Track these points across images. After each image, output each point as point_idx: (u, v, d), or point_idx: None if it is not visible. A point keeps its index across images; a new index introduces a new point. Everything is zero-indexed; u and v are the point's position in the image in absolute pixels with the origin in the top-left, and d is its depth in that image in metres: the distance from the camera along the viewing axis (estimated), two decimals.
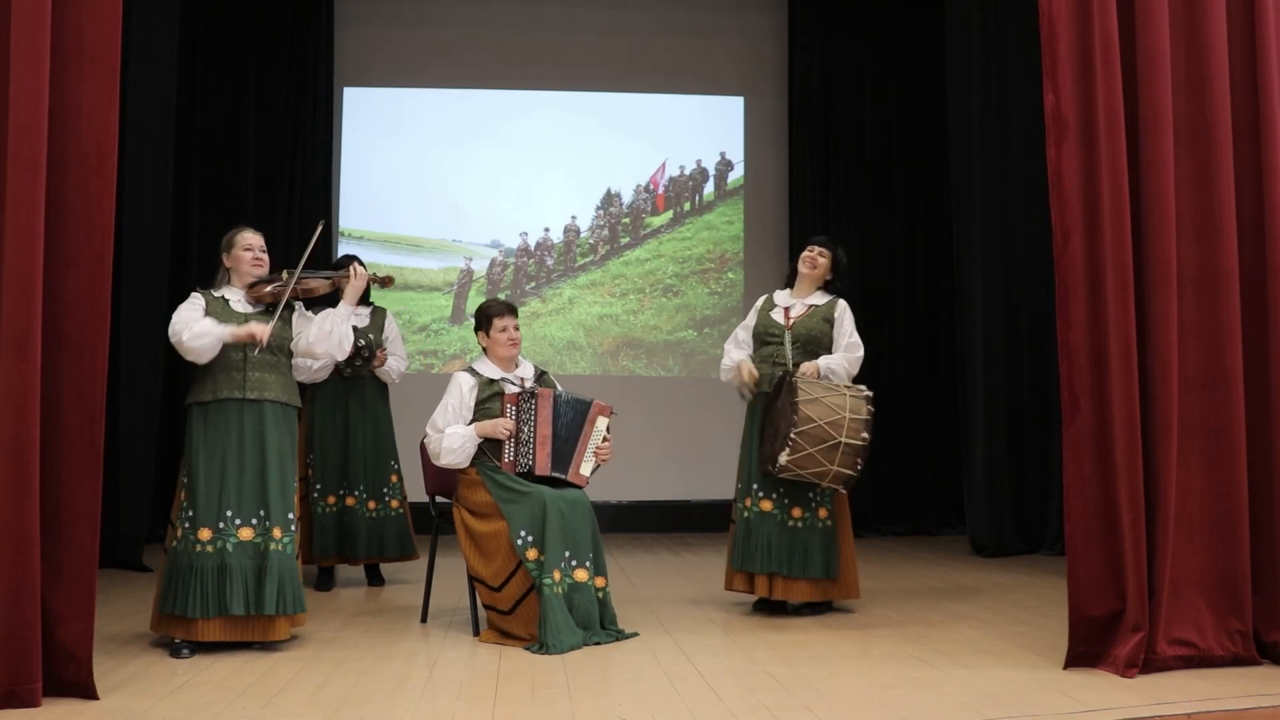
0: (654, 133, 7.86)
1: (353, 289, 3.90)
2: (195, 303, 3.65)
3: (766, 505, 4.22)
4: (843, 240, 4.59)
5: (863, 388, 4.12)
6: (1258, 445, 3.34)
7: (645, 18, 7.84)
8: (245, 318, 3.68)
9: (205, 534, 3.52)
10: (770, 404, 4.19)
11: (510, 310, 4.02)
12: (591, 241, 7.80)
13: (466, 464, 3.85)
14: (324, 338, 3.75)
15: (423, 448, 4.25)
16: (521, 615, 3.68)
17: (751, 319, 4.46)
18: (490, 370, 3.98)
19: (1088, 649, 3.25)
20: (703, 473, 7.28)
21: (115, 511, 5.29)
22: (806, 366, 4.19)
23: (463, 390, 3.91)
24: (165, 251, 5.94)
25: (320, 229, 3.94)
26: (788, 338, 4.30)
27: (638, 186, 7.86)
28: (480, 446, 3.86)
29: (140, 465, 5.69)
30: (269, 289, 3.71)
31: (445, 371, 7.50)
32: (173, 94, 6.07)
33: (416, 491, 5.32)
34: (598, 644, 3.65)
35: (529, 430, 3.85)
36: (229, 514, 3.54)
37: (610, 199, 7.84)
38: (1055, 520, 6.04)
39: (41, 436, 2.83)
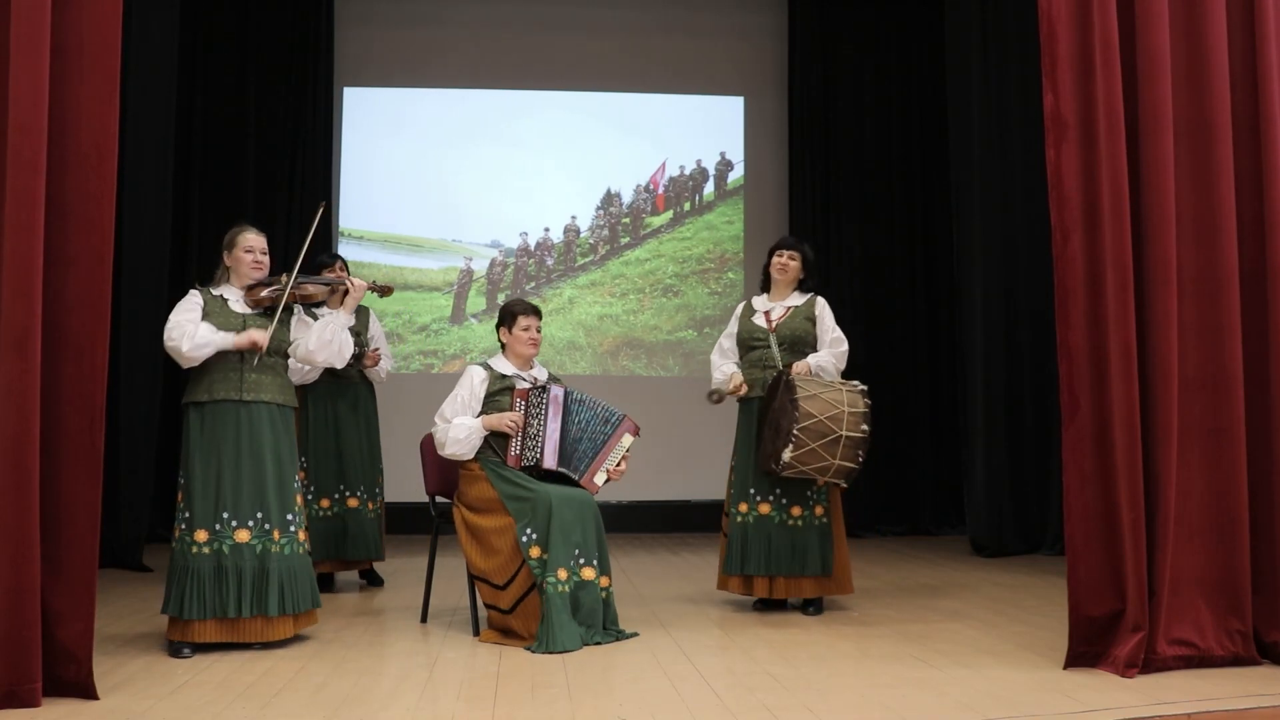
0: (654, 133, 7.86)
1: (352, 299, 3.92)
2: (193, 302, 3.64)
3: (765, 508, 4.24)
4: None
5: (856, 383, 4.16)
6: (1258, 445, 3.34)
7: (645, 18, 7.84)
8: (244, 319, 3.68)
9: (202, 536, 3.52)
10: (765, 406, 4.21)
11: (536, 312, 4.07)
12: (591, 241, 7.80)
13: (470, 456, 3.86)
14: (324, 346, 3.76)
15: (423, 448, 4.26)
16: (522, 613, 3.68)
17: (733, 327, 4.51)
18: (504, 367, 4.01)
19: (1088, 649, 3.25)
20: (702, 473, 7.28)
21: (115, 511, 5.28)
22: (798, 366, 4.22)
23: (473, 382, 3.93)
24: (165, 252, 5.94)
25: (321, 210, 3.96)
26: (773, 340, 4.34)
27: (638, 186, 7.86)
28: (486, 441, 3.87)
29: (140, 465, 5.69)
30: (267, 292, 3.71)
31: (445, 371, 7.50)
32: (173, 94, 6.07)
33: (394, 492, 5.34)
34: (598, 644, 3.65)
35: (538, 425, 3.86)
36: (225, 516, 3.54)
37: (610, 199, 7.84)
38: (1055, 520, 6.05)
39: (41, 436, 2.83)
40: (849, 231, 7.62)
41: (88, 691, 2.91)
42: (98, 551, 2.97)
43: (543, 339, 4.10)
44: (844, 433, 3.97)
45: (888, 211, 7.69)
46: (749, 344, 4.40)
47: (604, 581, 3.79)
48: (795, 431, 3.93)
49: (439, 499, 4.23)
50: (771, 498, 4.24)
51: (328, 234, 7.38)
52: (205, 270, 3.87)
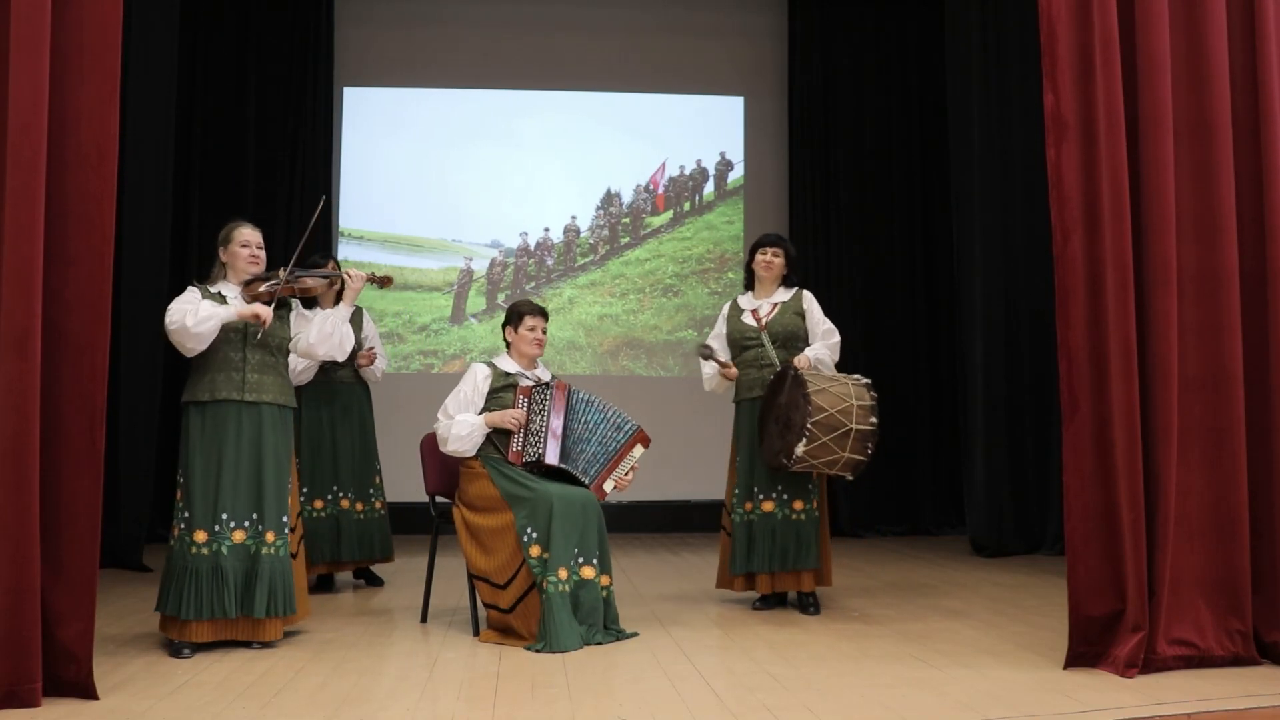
0: (654, 133, 7.86)
1: (352, 291, 3.90)
2: (191, 297, 3.64)
3: (769, 505, 4.25)
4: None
5: (859, 376, 4.17)
6: (1258, 445, 3.34)
7: (645, 18, 7.84)
8: None
9: (201, 536, 3.52)
10: (768, 403, 4.20)
11: (542, 313, 4.08)
12: (591, 241, 7.80)
13: (472, 453, 3.86)
14: (325, 339, 3.76)
15: (423, 448, 4.26)
16: (522, 613, 3.68)
17: (721, 328, 4.52)
18: (508, 365, 4.02)
19: (1088, 649, 3.25)
20: (703, 473, 7.28)
21: (115, 511, 5.28)
22: (799, 361, 4.21)
23: (477, 379, 3.94)
24: (165, 251, 5.94)
25: (322, 203, 3.96)
26: (765, 338, 4.34)
27: (638, 186, 7.86)
28: (488, 438, 3.87)
29: (140, 465, 5.69)
30: (265, 287, 3.71)
31: (445, 371, 7.50)
32: (173, 94, 6.07)
33: (394, 492, 5.33)
34: (599, 644, 3.65)
35: (541, 421, 3.86)
36: (224, 516, 3.54)
37: (610, 199, 7.84)
38: (1055, 520, 6.05)
39: (41, 436, 2.83)
40: (849, 231, 7.62)
41: (88, 691, 2.91)
42: (98, 551, 2.97)
43: (546, 339, 4.11)
44: (854, 426, 3.99)
45: (888, 211, 7.69)
46: (742, 344, 4.40)
47: (604, 580, 3.79)
48: (809, 426, 3.92)
49: (439, 499, 4.23)
50: (774, 494, 4.24)
51: (328, 234, 7.38)
52: (206, 270, 3.87)
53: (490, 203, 7.74)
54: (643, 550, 6.51)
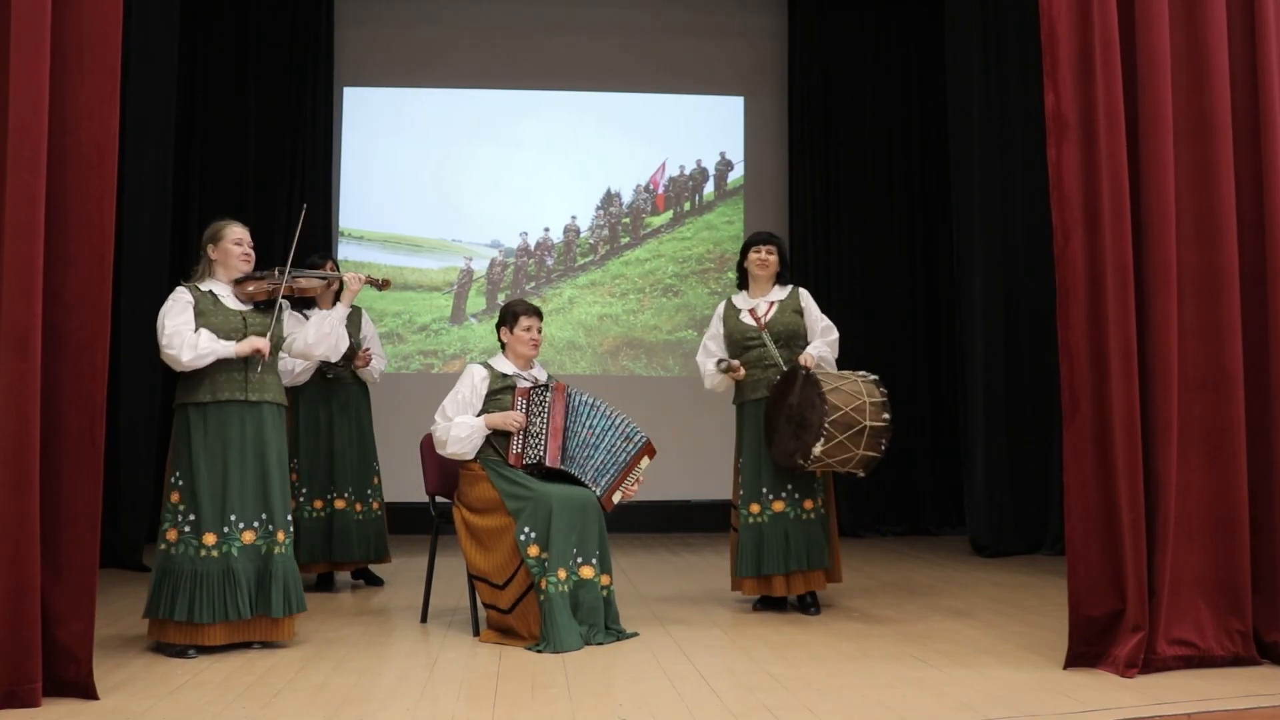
0: (654, 133, 7.86)
1: (350, 292, 3.91)
2: (183, 302, 3.60)
3: (779, 506, 4.21)
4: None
5: (865, 373, 4.17)
6: (1258, 445, 3.34)
7: (645, 18, 7.84)
8: (243, 317, 3.67)
9: (210, 539, 3.51)
10: (776, 403, 4.18)
11: (537, 313, 4.08)
12: (591, 241, 7.80)
13: (472, 455, 3.86)
14: (322, 339, 3.77)
15: (423, 448, 4.26)
16: (521, 613, 3.68)
17: (717, 328, 4.47)
18: (505, 366, 4.01)
19: (1088, 649, 3.25)
20: (703, 473, 7.28)
21: (115, 511, 5.29)
22: (804, 359, 4.20)
23: (474, 380, 3.93)
24: (165, 251, 5.94)
25: (304, 211, 3.96)
26: (767, 337, 4.32)
27: (638, 186, 7.86)
28: (487, 440, 3.87)
29: (140, 465, 5.69)
30: (258, 286, 3.70)
31: (445, 371, 7.50)
32: (173, 94, 6.07)
33: (394, 492, 5.33)
34: (599, 644, 3.65)
35: (540, 423, 3.86)
36: (233, 518, 3.54)
37: (610, 199, 7.84)
38: (1055, 520, 6.04)
39: (41, 436, 2.83)
40: (849, 231, 7.61)
41: (88, 691, 2.91)
42: (98, 551, 2.97)
43: (543, 339, 4.11)
44: (868, 423, 3.99)
45: (888, 211, 7.69)
46: (743, 345, 4.37)
47: (605, 580, 3.79)
48: (826, 425, 3.91)
49: (439, 499, 4.23)
50: (784, 494, 4.22)
51: (327, 234, 7.38)
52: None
53: (490, 203, 7.74)
54: (643, 550, 6.51)
